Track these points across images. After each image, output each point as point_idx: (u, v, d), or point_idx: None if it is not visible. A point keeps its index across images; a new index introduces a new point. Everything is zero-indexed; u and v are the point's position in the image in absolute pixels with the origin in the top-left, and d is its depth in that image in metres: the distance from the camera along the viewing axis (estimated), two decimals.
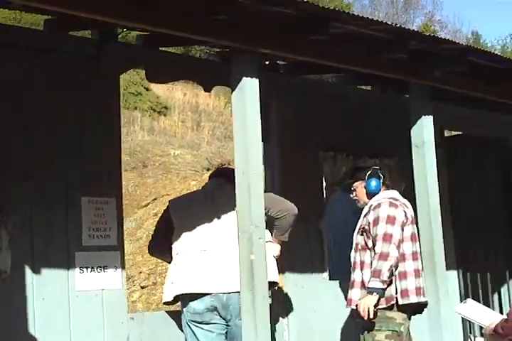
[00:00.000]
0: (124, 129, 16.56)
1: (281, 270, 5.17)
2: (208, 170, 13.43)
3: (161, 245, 4.89)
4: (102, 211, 4.80)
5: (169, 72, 5.14)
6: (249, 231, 4.05)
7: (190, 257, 4.66)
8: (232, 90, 4.15)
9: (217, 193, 4.78)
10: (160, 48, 5.17)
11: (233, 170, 4.24)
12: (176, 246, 4.76)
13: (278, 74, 5.90)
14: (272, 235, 4.75)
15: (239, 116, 4.14)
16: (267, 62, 5.77)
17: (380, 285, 4.52)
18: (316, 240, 5.85)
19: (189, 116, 19.06)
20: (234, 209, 4.25)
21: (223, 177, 4.82)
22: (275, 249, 4.77)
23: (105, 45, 4.83)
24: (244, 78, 4.09)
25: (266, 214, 4.33)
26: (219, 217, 4.70)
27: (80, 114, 4.72)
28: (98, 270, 4.73)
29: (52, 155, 4.58)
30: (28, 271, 4.42)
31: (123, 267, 4.85)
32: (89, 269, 4.68)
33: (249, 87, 4.11)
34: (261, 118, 4.26)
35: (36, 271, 4.45)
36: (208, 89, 5.43)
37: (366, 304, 4.52)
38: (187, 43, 5.38)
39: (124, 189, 5.24)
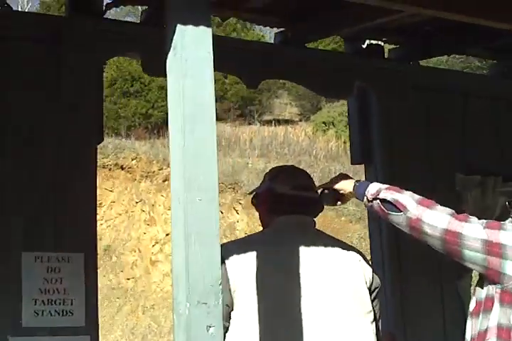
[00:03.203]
0: None
1: None
2: None
3: None
4: (58, 273, 3.08)
5: None
6: (185, 313, 2.09)
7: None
8: (166, 53, 2.26)
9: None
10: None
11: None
12: None
13: (382, 60, 3.86)
14: None
15: (174, 99, 2.21)
16: (364, 44, 3.80)
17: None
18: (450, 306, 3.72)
19: None
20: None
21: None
22: None
23: (74, 22, 3.19)
24: (181, 27, 2.19)
25: None
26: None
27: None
28: None
29: None
30: None
31: None
32: None
33: (190, 44, 2.19)
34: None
35: None
36: (252, 86, 3.59)
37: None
38: None
39: None
